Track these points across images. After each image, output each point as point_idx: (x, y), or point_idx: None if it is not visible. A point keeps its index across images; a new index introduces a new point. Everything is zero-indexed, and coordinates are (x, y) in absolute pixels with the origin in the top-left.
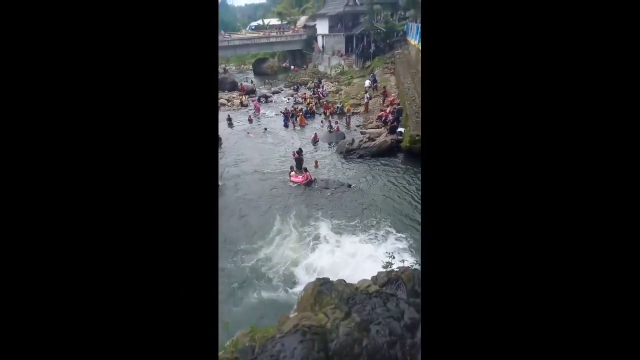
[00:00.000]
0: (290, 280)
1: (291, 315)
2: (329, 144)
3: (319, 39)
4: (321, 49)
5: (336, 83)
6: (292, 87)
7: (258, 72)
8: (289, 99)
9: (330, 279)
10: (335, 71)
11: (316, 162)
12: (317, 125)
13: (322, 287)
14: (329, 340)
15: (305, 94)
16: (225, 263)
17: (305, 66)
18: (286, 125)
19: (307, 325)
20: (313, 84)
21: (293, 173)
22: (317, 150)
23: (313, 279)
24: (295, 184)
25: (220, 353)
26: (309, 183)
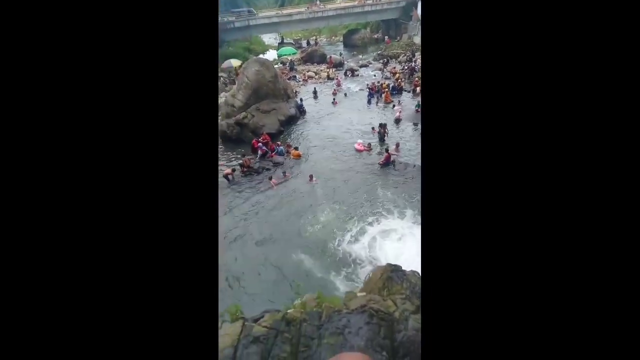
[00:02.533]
0: (348, 259)
1: (358, 294)
2: (414, 124)
3: (419, 5)
4: (419, 17)
5: None
6: (381, 61)
7: (348, 44)
8: (376, 74)
9: (403, 268)
10: None
11: (397, 145)
12: (405, 103)
13: (393, 274)
14: (397, 330)
15: (394, 68)
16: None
17: (398, 37)
18: (369, 102)
19: (375, 308)
20: (405, 57)
21: (360, 141)
22: (402, 132)
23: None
24: (361, 153)
25: (290, 310)
26: (387, 164)
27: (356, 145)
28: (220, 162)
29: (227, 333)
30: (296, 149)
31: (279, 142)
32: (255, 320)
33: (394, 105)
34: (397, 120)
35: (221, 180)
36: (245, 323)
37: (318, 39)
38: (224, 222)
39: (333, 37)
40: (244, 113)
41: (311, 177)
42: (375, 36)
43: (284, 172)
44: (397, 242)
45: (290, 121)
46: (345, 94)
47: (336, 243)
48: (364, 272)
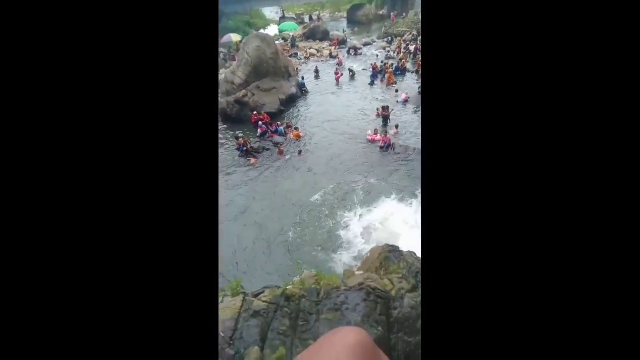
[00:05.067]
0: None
1: (356, 272)
2: (417, 106)
3: None
4: None
5: None
6: (385, 39)
7: (352, 20)
8: (379, 53)
9: (400, 248)
10: None
11: (396, 126)
12: (408, 84)
13: (390, 254)
14: (392, 307)
15: (398, 47)
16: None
17: (404, 14)
18: (371, 83)
19: (372, 286)
20: (410, 35)
21: (369, 132)
22: (406, 114)
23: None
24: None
25: (289, 286)
26: (387, 147)
27: (368, 137)
28: (220, 141)
29: (228, 306)
30: (296, 129)
31: (279, 122)
32: (256, 295)
33: (397, 90)
34: (405, 101)
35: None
36: (246, 297)
37: (321, 14)
38: (225, 197)
39: (336, 12)
40: (243, 91)
41: (299, 152)
42: (381, 12)
43: (278, 145)
44: (395, 224)
45: (291, 100)
46: (353, 74)
47: (334, 223)
48: (361, 251)
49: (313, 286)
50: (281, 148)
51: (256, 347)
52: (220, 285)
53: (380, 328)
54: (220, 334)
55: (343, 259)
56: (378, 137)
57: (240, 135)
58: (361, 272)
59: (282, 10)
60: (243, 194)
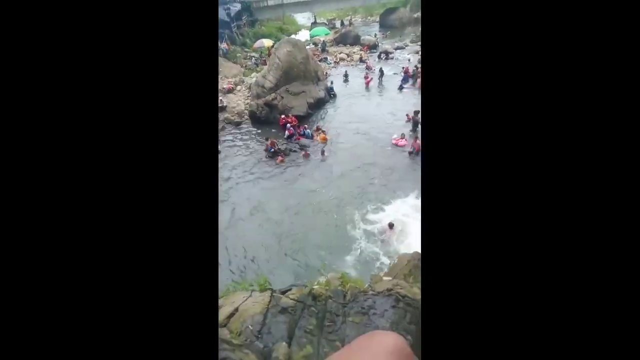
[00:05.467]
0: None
1: (384, 278)
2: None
3: None
4: None
5: None
6: (419, 43)
7: (385, 25)
8: (411, 57)
9: None
10: None
11: None
12: None
13: (420, 263)
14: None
15: None
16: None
17: None
18: (400, 88)
19: (402, 294)
20: None
21: (395, 136)
22: None
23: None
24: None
25: (315, 287)
26: (416, 152)
27: (393, 141)
28: (250, 142)
29: (256, 301)
30: (323, 132)
31: (306, 125)
32: (283, 293)
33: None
34: None
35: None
36: (274, 294)
37: (352, 19)
38: (247, 192)
39: (369, 17)
40: (273, 94)
41: (323, 152)
42: (415, 15)
43: (304, 148)
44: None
45: (319, 104)
46: (382, 74)
47: (354, 227)
48: (383, 258)
49: (339, 288)
50: (307, 152)
51: (284, 343)
52: (230, 281)
53: (409, 337)
54: (249, 327)
55: (358, 265)
56: (403, 142)
57: (269, 137)
58: (389, 278)
59: (314, 16)
60: (265, 190)
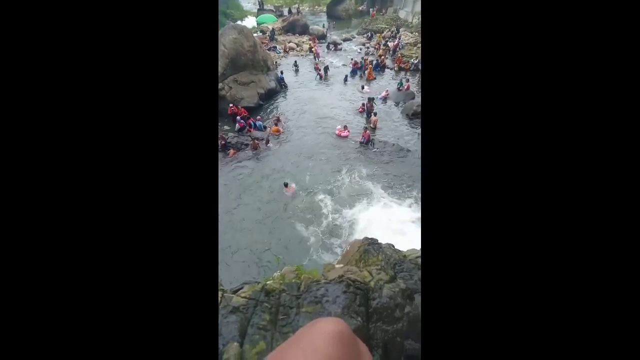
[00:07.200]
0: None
1: (336, 266)
2: (396, 103)
3: None
4: None
5: (416, 34)
6: (365, 35)
7: (332, 15)
8: (360, 49)
9: (379, 241)
10: (418, 19)
11: (375, 122)
12: (386, 82)
13: (369, 247)
14: (371, 297)
15: (378, 43)
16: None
17: (384, 11)
18: (345, 79)
19: (352, 279)
20: (390, 32)
21: (339, 127)
22: (387, 109)
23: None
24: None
25: (269, 282)
26: (367, 142)
27: (337, 132)
28: None
29: None
30: (275, 124)
31: (259, 117)
32: (235, 292)
33: (362, 87)
34: (385, 99)
35: None
36: (225, 294)
37: (300, 8)
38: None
39: (316, 7)
40: (220, 84)
41: (267, 141)
42: (360, 8)
43: (254, 140)
44: (377, 217)
45: (270, 95)
46: (327, 69)
47: (317, 220)
48: (344, 245)
49: (294, 281)
50: (256, 142)
51: (235, 344)
52: None
53: (359, 318)
54: None
55: (327, 254)
56: (345, 132)
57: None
58: (341, 265)
59: (260, 2)
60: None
